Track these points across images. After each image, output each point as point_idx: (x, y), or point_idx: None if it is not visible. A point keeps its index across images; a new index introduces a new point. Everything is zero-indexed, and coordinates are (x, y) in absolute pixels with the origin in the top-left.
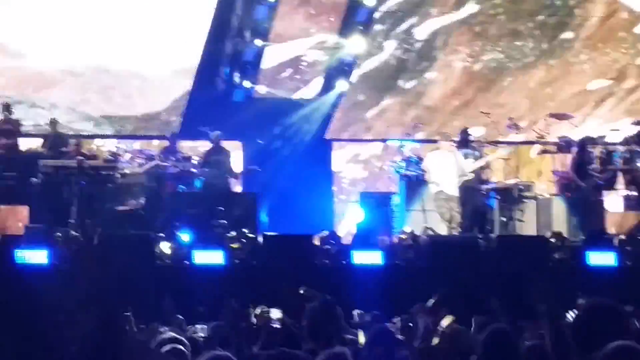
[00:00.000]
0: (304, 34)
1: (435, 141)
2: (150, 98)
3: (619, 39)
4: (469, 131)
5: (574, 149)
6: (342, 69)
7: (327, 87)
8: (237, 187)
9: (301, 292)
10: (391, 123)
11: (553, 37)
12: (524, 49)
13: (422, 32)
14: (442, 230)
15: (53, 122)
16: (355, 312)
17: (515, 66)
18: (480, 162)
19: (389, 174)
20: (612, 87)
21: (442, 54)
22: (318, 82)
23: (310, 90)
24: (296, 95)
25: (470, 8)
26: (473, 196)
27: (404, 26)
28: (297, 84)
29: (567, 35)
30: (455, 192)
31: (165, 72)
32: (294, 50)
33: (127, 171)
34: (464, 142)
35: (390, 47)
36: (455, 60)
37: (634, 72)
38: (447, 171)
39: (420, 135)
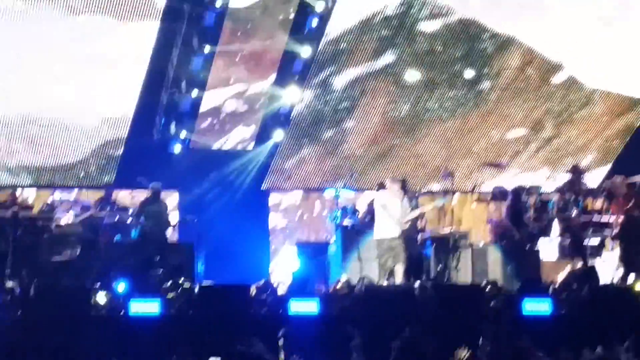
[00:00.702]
0: (240, 84)
1: (372, 189)
2: (79, 147)
3: (535, 89)
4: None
5: (509, 198)
6: (278, 118)
7: (263, 136)
8: (174, 237)
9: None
10: (310, 172)
11: (470, 87)
12: (441, 99)
13: (339, 82)
14: (381, 279)
15: None
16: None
17: (433, 116)
18: (417, 212)
19: (308, 223)
20: (530, 136)
21: (359, 104)
22: (254, 132)
23: (246, 140)
24: (232, 146)
25: (388, 58)
26: (410, 245)
27: (321, 75)
28: (232, 134)
29: (484, 85)
30: (397, 235)
31: (95, 122)
32: (229, 100)
33: (62, 222)
34: (404, 190)
35: (308, 97)
36: (373, 110)
37: (551, 121)
38: (390, 217)
39: (339, 184)
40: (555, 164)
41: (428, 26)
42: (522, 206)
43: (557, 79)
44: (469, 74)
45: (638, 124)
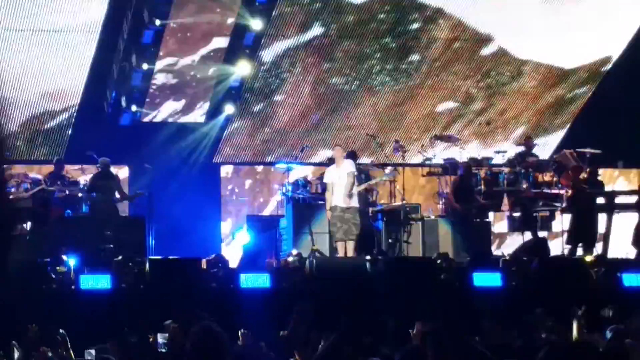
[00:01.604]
0: (190, 57)
1: (322, 164)
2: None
3: (465, 60)
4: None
5: (458, 172)
6: (229, 92)
7: (214, 110)
8: (124, 211)
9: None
10: (241, 146)
11: (399, 60)
12: (371, 72)
13: (268, 55)
14: (337, 252)
15: None
16: (240, 331)
17: (363, 88)
18: (366, 185)
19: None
20: (460, 109)
21: (289, 77)
22: (205, 106)
23: (197, 113)
24: (184, 119)
25: (316, 30)
26: (362, 218)
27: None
28: (183, 107)
29: (414, 57)
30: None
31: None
32: (180, 74)
33: (12, 196)
34: (353, 160)
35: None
36: (302, 83)
37: (481, 94)
38: (342, 185)
39: (270, 159)
40: (486, 137)
41: None
42: (471, 180)
43: (487, 50)
44: (398, 46)
45: (570, 95)
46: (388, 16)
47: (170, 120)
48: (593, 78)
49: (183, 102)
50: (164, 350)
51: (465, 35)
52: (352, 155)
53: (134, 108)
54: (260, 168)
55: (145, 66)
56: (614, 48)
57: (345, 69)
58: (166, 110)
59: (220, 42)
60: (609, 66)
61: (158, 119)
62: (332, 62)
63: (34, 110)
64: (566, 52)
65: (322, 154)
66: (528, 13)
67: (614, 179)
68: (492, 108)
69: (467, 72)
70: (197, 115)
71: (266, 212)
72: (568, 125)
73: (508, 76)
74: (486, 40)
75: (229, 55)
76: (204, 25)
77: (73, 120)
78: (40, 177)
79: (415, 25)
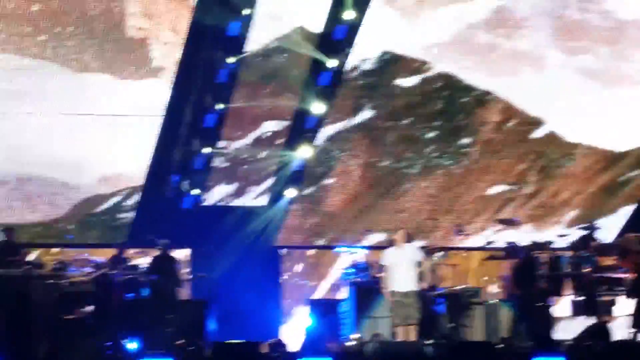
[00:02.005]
0: (259, 143)
1: (383, 247)
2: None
3: (516, 144)
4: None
5: (519, 255)
6: (291, 176)
7: (276, 194)
8: (185, 294)
9: None
10: (292, 230)
11: (451, 143)
12: (422, 155)
13: (318, 138)
14: (398, 336)
15: (7, 231)
16: None
17: (414, 172)
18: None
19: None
20: (512, 192)
21: (339, 160)
22: (267, 190)
23: (260, 197)
24: (246, 203)
25: (367, 114)
26: (423, 302)
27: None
28: (246, 191)
29: (465, 140)
30: (409, 288)
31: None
32: (243, 158)
33: (75, 279)
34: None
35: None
36: (353, 166)
37: (533, 177)
38: (401, 267)
39: (320, 242)
40: (539, 220)
41: (406, 81)
42: (533, 263)
43: (538, 133)
44: (449, 129)
45: (624, 178)
46: (438, 99)
47: (223, 203)
48: None
49: (236, 185)
50: None
51: (515, 117)
52: (408, 237)
53: (195, 191)
54: (312, 251)
55: (207, 150)
56: None
57: (396, 151)
58: (219, 194)
59: (271, 125)
60: None
61: (211, 202)
62: (383, 145)
63: (96, 194)
64: (618, 135)
65: (373, 238)
66: (578, 95)
67: None
68: (543, 191)
69: (518, 154)
70: (252, 198)
71: (317, 295)
72: (622, 209)
73: (559, 159)
74: (536, 123)
75: (291, 139)
76: (256, 109)
77: (136, 203)
78: (102, 260)
79: (466, 108)
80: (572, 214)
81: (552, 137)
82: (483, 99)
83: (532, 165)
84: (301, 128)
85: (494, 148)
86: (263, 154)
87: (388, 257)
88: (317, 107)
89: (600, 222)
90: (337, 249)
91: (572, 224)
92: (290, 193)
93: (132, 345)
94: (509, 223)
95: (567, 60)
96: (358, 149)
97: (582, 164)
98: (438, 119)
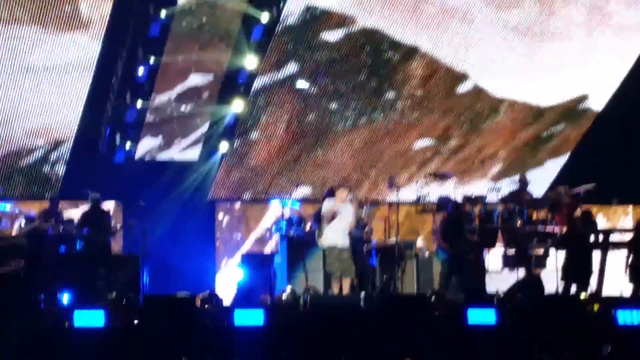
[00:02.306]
0: (185, 96)
1: (317, 201)
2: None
3: (441, 99)
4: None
5: (447, 209)
6: (224, 130)
7: (209, 148)
8: (118, 248)
9: None
10: (218, 184)
11: (375, 98)
12: (347, 109)
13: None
14: (331, 289)
15: None
16: None
17: (339, 126)
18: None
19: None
20: (437, 146)
21: (264, 114)
22: (199, 143)
23: (191, 151)
24: (178, 156)
25: (292, 68)
26: (357, 257)
27: None
28: (179, 144)
29: (390, 95)
30: (346, 244)
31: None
32: (175, 111)
33: (6, 233)
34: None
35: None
36: (278, 121)
37: (458, 132)
38: (340, 223)
39: (246, 196)
40: (464, 174)
41: (330, 35)
42: (461, 217)
43: (463, 88)
44: (374, 84)
45: (547, 134)
46: (363, 54)
47: (156, 157)
48: (569, 116)
49: (169, 139)
50: None
51: (441, 73)
52: (331, 193)
53: (127, 145)
54: (237, 205)
55: (139, 103)
56: (591, 87)
57: (321, 106)
58: (151, 148)
59: (201, 78)
60: (585, 104)
61: (144, 155)
62: (307, 100)
63: (28, 147)
64: (542, 90)
65: (298, 192)
66: (503, 51)
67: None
68: (468, 145)
69: (443, 109)
70: (185, 152)
71: (246, 248)
72: (546, 163)
73: (484, 114)
74: (461, 77)
75: (223, 93)
76: (187, 63)
77: (67, 157)
78: (34, 213)
79: (390, 63)
80: (496, 168)
81: (477, 92)
82: (408, 54)
83: (457, 120)
84: (234, 82)
85: (419, 103)
86: (195, 108)
87: (327, 208)
88: (250, 61)
89: (531, 176)
90: (271, 202)
91: (496, 178)
92: (223, 147)
93: (65, 299)
94: (442, 177)
95: (496, 15)
96: (283, 104)
97: (507, 119)
98: (363, 74)
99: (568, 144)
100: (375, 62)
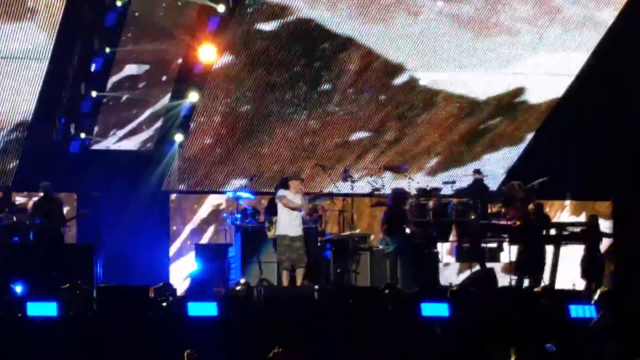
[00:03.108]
0: (140, 87)
1: (271, 193)
2: None
3: (376, 90)
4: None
5: (388, 201)
6: (179, 121)
7: (164, 138)
8: (72, 239)
9: None
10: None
11: (310, 89)
12: (282, 100)
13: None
14: (284, 281)
15: None
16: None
17: (274, 117)
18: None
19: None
20: (373, 139)
21: (199, 105)
22: (154, 134)
23: (146, 141)
24: (132, 147)
25: (227, 58)
26: (310, 248)
27: None
28: (133, 134)
29: (325, 86)
30: (298, 233)
31: None
32: (129, 102)
33: None
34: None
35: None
36: (213, 112)
37: (394, 124)
38: (292, 213)
39: (181, 187)
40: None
41: (266, 25)
42: (402, 209)
43: (399, 80)
44: (309, 75)
45: (484, 126)
46: (298, 44)
47: (115, 147)
48: (506, 109)
49: (124, 129)
50: None
51: (376, 64)
52: (284, 184)
53: (82, 135)
54: (173, 196)
55: (94, 93)
56: (528, 80)
57: (256, 97)
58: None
59: (133, 69)
60: (522, 97)
61: (98, 146)
62: (243, 91)
63: None
64: (479, 83)
65: (235, 184)
66: (440, 43)
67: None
68: (405, 138)
69: (378, 101)
70: (140, 143)
71: (178, 241)
72: (484, 156)
73: (420, 106)
74: (398, 70)
75: (179, 84)
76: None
77: (21, 147)
78: None
79: (325, 54)
80: (433, 161)
81: (413, 85)
82: (344, 44)
83: (393, 112)
84: (190, 73)
85: (354, 95)
86: (151, 98)
87: (280, 198)
88: (206, 53)
89: (485, 170)
90: (227, 194)
91: (434, 171)
92: (178, 138)
93: (18, 289)
94: (396, 170)
95: (442, 7)
96: (218, 94)
97: (443, 112)
98: (298, 65)
99: (504, 138)
100: (310, 52)
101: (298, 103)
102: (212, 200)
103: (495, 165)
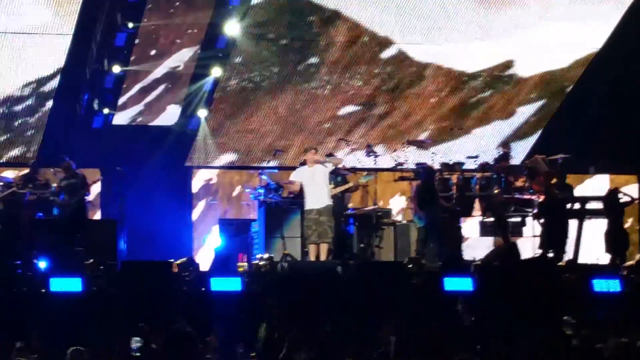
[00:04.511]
0: (163, 62)
1: (292, 168)
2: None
3: (365, 64)
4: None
5: (421, 176)
6: (202, 96)
7: (186, 114)
8: (96, 214)
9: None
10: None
11: (298, 62)
12: (270, 74)
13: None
14: (308, 255)
15: None
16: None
17: (262, 91)
18: (343, 187)
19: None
20: (363, 113)
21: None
22: (177, 109)
23: (169, 116)
24: (155, 122)
25: None
26: (336, 223)
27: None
28: (156, 110)
29: (313, 60)
30: (324, 206)
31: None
32: (153, 77)
33: None
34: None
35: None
36: None
37: (383, 98)
38: (316, 186)
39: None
40: (392, 141)
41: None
42: (434, 184)
43: (387, 54)
44: (296, 48)
45: (473, 99)
46: (284, 17)
47: (139, 122)
48: (495, 82)
49: (147, 104)
50: (137, 354)
51: (364, 37)
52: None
53: (105, 111)
54: None
55: (117, 69)
56: (517, 52)
57: (243, 70)
58: (129, 113)
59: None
60: (510, 70)
61: (122, 121)
62: (230, 64)
63: (3, 112)
64: (468, 56)
65: (224, 158)
66: (429, 15)
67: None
68: (394, 112)
69: (367, 75)
70: (163, 118)
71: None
72: (475, 130)
73: (409, 80)
74: (385, 43)
75: (202, 59)
76: (171, 30)
77: (45, 123)
78: (11, 178)
79: (312, 27)
80: (424, 135)
81: (401, 58)
82: (331, 18)
83: (382, 86)
84: (213, 47)
85: (342, 68)
86: (172, 73)
87: (299, 174)
88: (230, 28)
89: (480, 145)
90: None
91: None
92: (202, 113)
93: (42, 265)
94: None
95: None
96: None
97: (432, 85)
98: (285, 38)
99: (494, 112)
100: (297, 25)
101: (286, 77)
102: (203, 175)
103: (489, 140)
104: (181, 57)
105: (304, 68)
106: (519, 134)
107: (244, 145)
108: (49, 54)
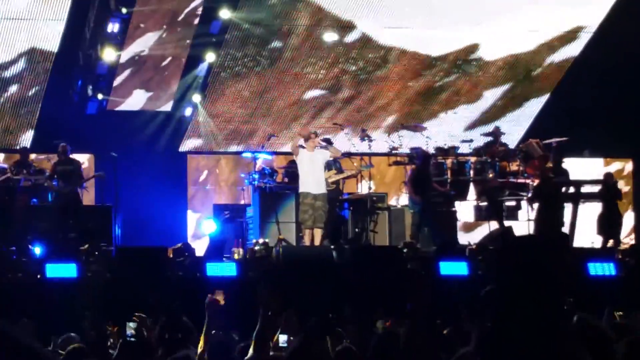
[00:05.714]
0: (157, 46)
1: (289, 153)
2: None
3: (328, 47)
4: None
5: (416, 161)
6: (196, 81)
7: (181, 99)
8: (90, 200)
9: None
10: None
11: (261, 46)
12: (234, 58)
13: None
14: (303, 240)
15: None
16: None
17: (226, 75)
18: (343, 175)
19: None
20: (328, 97)
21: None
22: (171, 95)
23: (163, 102)
24: (150, 107)
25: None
26: (331, 207)
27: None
28: (151, 95)
29: (276, 44)
30: (320, 191)
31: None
32: (147, 62)
33: None
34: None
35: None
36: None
37: (348, 82)
38: (315, 172)
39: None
40: (358, 126)
41: None
42: (429, 169)
43: (350, 37)
44: (259, 33)
45: (440, 83)
46: (247, 2)
47: (135, 108)
48: (462, 65)
49: (141, 90)
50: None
51: (326, 21)
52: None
53: (100, 96)
54: None
55: (111, 54)
56: (481, 35)
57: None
58: (123, 98)
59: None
60: (476, 54)
61: (116, 106)
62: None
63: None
64: (433, 39)
65: (189, 144)
66: None
67: None
68: (360, 96)
69: (331, 58)
70: (157, 103)
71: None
72: (441, 114)
73: (373, 63)
74: (348, 27)
75: (196, 44)
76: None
77: (38, 108)
78: (5, 165)
79: (274, 11)
80: (390, 119)
81: (365, 41)
82: (293, 2)
83: (346, 70)
84: (207, 32)
85: (306, 52)
86: (167, 58)
87: (300, 158)
88: (224, 12)
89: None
90: (243, 154)
91: (391, 129)
92: (196, 98)
93: (37, 251)
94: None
95: None
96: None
97: (397, 69)
98: (247, 23)
99: (461, 95)
100: (259, 10)
101: (249, 61)
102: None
103: (455, 125)
104: (146, 42)
105: (268, 52)
106: (485, 118)
107: (208, 130)
108: (42, 39)
